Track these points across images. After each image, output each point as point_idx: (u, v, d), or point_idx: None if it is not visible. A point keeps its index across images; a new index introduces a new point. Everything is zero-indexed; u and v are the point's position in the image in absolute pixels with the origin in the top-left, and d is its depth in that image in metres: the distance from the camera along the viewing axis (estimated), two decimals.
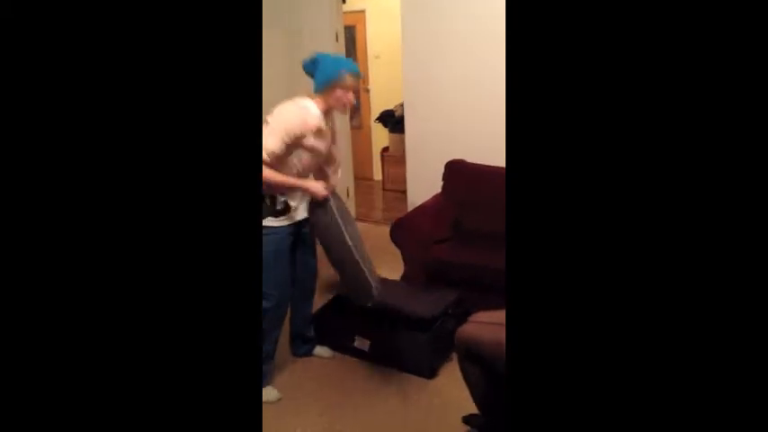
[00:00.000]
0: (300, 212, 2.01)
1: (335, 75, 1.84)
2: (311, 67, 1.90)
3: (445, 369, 2.20)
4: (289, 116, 1.82)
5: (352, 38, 4.88)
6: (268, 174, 1.77)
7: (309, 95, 1.89)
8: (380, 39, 4.87)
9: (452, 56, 3.15)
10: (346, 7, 4.01)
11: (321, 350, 2.35)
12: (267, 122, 1.82)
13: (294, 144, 1.83)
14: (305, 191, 1.93)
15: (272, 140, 1.77)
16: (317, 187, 1.91)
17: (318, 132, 1.89)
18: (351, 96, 1.88)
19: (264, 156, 1.76)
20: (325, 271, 2.41)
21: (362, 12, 4.86)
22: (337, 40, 3.80)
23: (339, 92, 1.85)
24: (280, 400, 2.06)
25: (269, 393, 2.07)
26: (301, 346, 2.34)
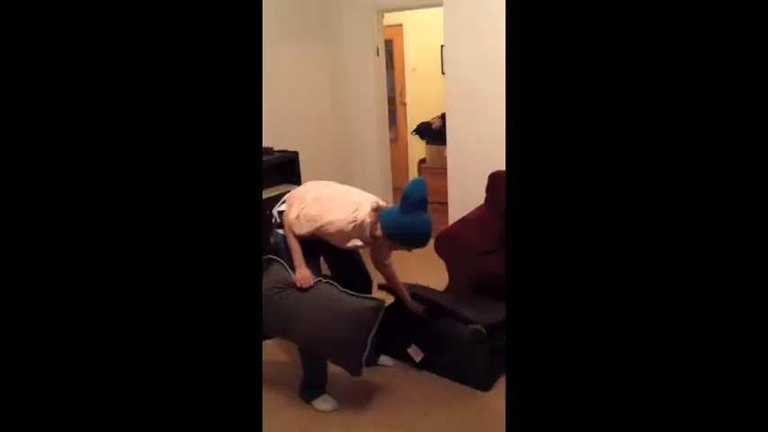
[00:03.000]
0: None
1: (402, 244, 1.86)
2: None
3: (499, 383, 2.18)
4: (334, 219, 1.86)
5: (389, 52, 4.94)
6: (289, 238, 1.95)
7: (374, 208, 1.90)
8: (417, 52, 4.92)
9: (495, 67, 3.16)
10: (384, 21, 4.06)
11: (384, 359, 2.36)
12: (320, 198, 1.92)
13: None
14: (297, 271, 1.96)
15: (302, 226, 1.91)
16: (302, 277, 1.93)
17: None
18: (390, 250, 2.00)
19: (288, 222, 1.92)
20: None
21: (400, 26, 4.92)
22: (378, 55, 3.85)
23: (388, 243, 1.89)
24: (335, 410, 2.07)
25: (324, 403, 2.08)
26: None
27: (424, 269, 2.96)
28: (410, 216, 1.80)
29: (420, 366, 2.29)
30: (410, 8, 4.03)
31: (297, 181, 3.17)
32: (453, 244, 2.66)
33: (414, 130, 5.00)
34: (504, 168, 3.10)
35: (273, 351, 2.48)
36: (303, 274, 1.93)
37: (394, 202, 4.45)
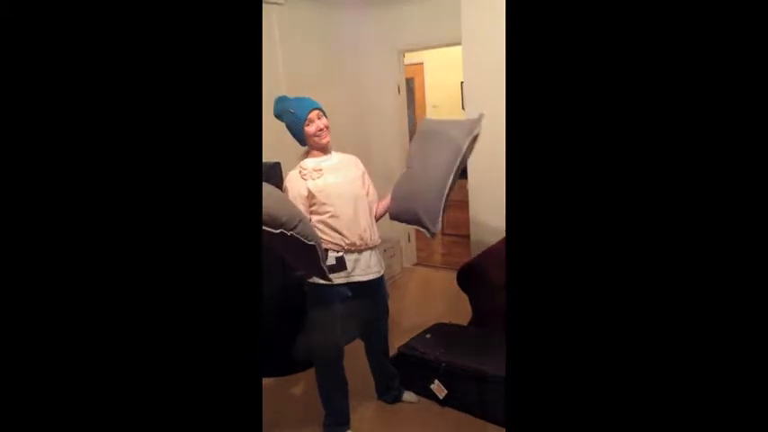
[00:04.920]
0: (360, 271, 1.98)
1: (300, 132, 1.96)
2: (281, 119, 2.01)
3: None
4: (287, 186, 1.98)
5: (410, 89, 5.06)
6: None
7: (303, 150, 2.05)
8: (438, 89, 5.03)
9: None
10: (405, 60, 4.18)
11: (408, 395, 2.34)
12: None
13: (308, 203, 1.93)
14: None
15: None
16: None
17: (312, 173, 1.94)
18: (318, 123, 1.96)
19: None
20: (401, 315, 2.43)
21: (420, 64, 5.05)
22: (399, 93, 3.96)
23: (308, 129, 1.95)
24: None
25: None
26: (387, 393, 2.34)
27: (450, 303, 2.95)
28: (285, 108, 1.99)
29: (444, 403, 2.26)
30: (430, 47, 4.14)
31: None
32: (475, 277, 2.66)
33: None
34: None
35: (291, 391, 2.48)
36: None
37: (416, 236, 4.49)
